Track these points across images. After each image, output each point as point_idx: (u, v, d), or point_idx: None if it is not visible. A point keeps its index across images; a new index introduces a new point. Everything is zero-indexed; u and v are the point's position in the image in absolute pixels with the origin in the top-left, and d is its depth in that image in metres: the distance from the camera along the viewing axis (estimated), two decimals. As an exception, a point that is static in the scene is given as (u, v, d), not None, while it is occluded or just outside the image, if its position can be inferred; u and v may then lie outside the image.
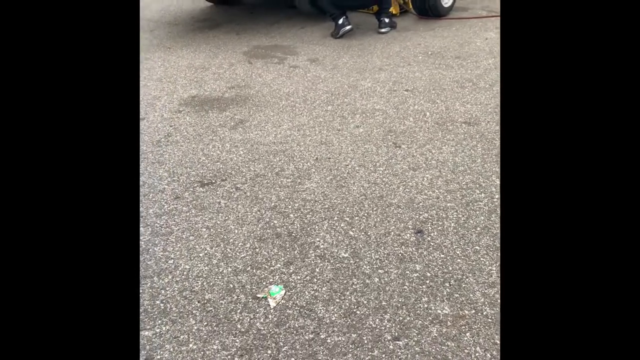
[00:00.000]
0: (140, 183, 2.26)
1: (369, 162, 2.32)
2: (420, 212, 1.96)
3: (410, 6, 4.51)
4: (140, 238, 1.91)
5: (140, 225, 1.98)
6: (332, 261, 1.74)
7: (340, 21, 4.04)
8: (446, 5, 4.48)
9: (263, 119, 2.81)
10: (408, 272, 1.68)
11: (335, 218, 1.96)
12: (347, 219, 1.95)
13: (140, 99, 3.15)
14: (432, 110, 2.80)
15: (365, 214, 1.97)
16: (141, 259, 1.81)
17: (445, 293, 1.59)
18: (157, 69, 3.65)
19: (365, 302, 1.57)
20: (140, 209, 2.08)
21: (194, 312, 1.58)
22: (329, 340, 1.46)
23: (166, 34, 4.48)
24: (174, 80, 3.43)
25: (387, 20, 4.17)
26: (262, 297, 1.61)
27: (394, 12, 4.46)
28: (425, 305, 1.55)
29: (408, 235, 1.84)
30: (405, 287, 1.62)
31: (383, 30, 4.16)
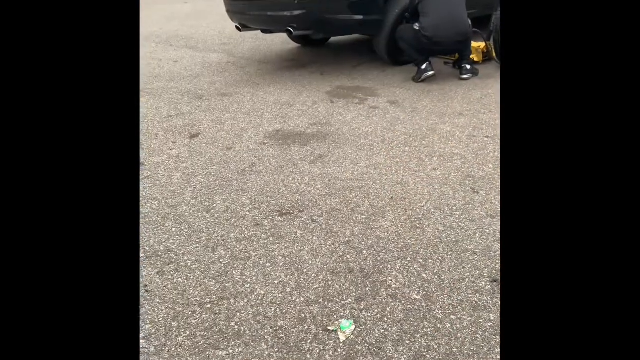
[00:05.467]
0: (224, 208, 2.40)
1: (445, 206, 2.32)
2: (497, 261, 1.92)
3: (494, 54, 4.50)
4: (220, 261, 2.02)
5: (221, 249, 2.10)
6: (403, 302, 1.75)
7: (424, 66, 4.11)
8: (532, 54, 4.41)
9: (342, 156, 2.89)
10: (482, 320, 1.64)
11: (409, 259, 1.97)
12: (421, 260, 1.95)
13: (229, 130, 3.37)
14: (514, 158, 2.75)
15: (440, 258, 1.96)
16: (220, 280, 1.91)
17: (520, 347, 1.53)
18: (246, 103, 3.89)
19: (435, 346, 1.56)
20: (222, 233, 2.21)
21: (266, 337, 1.64)
22: (396, 381, 1.45)
23: (256, 71, 4.77)
24: (260, 114, 3.64)
25: (468, 66, 4.18)
26: (333, 330, 1.64)
27: (475, 60, 4.46)
28: (498, 357, 1.50)
29: (483, 283, 1.81)
30: (478, 335, 1.59)
31: (465, 76, 4.17)
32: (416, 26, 4.02)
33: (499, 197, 2.36)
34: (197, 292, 1.86)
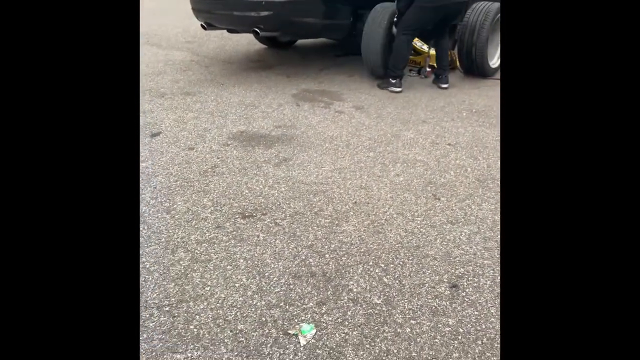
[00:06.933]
0: (185, 210, 2.35)
1: (407, 211, 2.35)
2: (457, 267, 1.96)
3: (458, 64, 4.61)
4: (180, 263, 1.98)
5: (181, 251, 2.05)
6: (364, 306, 1.75)
7: (394, 81, 4.12)
8: (493, 66, 4.55)
9: (306, 159, 2.89)
10: (440, 325, 1.67)
11: (371, 263, 1.98)
12: (382, 265, 1.97)
13: (191, 130, 3.31)
14: (474, 166, 2.82)
15: (401, 263, 1.98)
16: (179, 282, 1.86)
17: (477, 351, 1.57)
18: (210, 103, 3.83)
19: (395, 351, 1.57)
20: (183, 234, 2.16)
21: (225, 340, 1.61)
22: (356, 385, 1.45)
23: (220, 71, 4.71)
24: (224, 115, 3.59)
25: (447, 76, 4.25)
26: (293, 334, 1.63)
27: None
28: (456, 361, 1.53)
29: (443, 288, 1.84)
30: (437, 340, 1.61)
31: (444, 85, 4.22)
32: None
33: (459, 204, 2.41)
34: (155, 295, 1.81)
